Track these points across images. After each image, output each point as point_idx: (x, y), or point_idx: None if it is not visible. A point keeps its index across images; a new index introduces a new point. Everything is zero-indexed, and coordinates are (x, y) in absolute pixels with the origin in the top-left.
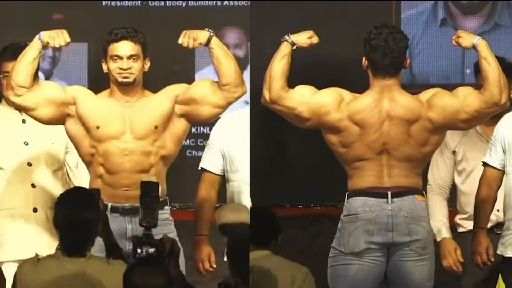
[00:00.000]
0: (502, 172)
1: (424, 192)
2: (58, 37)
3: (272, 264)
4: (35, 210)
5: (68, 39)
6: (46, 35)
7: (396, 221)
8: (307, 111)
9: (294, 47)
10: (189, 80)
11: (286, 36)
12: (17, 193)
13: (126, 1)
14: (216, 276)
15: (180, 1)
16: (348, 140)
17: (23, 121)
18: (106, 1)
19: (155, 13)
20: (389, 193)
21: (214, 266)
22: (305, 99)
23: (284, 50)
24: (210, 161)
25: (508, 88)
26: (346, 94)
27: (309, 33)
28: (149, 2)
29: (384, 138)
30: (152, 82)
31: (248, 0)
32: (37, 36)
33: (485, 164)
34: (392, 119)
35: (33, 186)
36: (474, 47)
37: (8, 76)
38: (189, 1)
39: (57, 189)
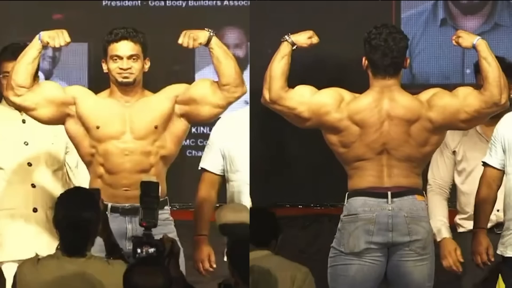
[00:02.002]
0: (502, 172)
1: (424, 192)
2: (58, 37)
3: (272, 264)
4: (35, 210)
5: (68, 39)
6: (46, 35)
7: (396, 221)
8: (307, 111)
9: (294, 47)
10: (189, 80)
11: (286, 36)
12: (17, 193)
13: (126, 1)
14: (216, 276)
15: (180, 1)
16: (348, 140)
17: (23, 121)
18: (106, 1)
19: (155, 13)
20: (389, 193)
21: (214, 266)
22: (305, 99)
23: (284, 50)
24: (210, 161)
25: (508, 88)
26: (346, 94)
27: (309, 33)
28: (149, 2)
29: (384, 138)
30: (152, 82)
31: (248, 0)
32: (37, 36)
33: (485, 164)
34: (392, 119)
35: (33, 186)
36: (474, 47)
37: (8, 76)
38: (189, 1)
39: (57, 189)
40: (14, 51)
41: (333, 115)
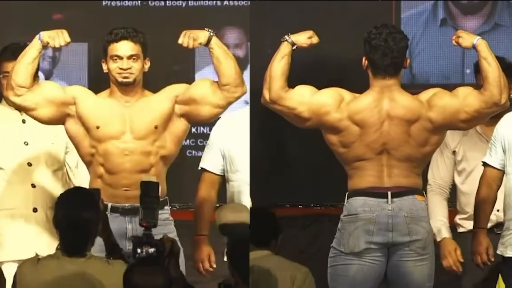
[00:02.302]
0: (502, 172)
1: (424, 192)
2: (58, 37)
3: (272, 264)
4: (35, 210)
5: (68, 39)
6: (46, 35)
7: (396, 221)
8: (307, 111)
9: (294, 47)
10: (189, 80)
11: (286, 36)
12: (17, 193)
13: (126, 1)
14: (216, 276)
15: (180, 1)
16: (348, 140)
17: (23, 121)
18: (106, 1)
19: (155, 13)
20: (389, 193)
21: (214, 266)
22: (305, 99)
23: (284, 50)
24: (210, 161)
25: (508, 88)
26: (346, 94)
27: (309, 33)
28: (149, 2)
29: (384, 138)
30: (152, 82)
31: (248, 0)
32: (37, 36)
33: (485, 164)
34: (392, 119)
35: (33, 186)
36: (474, 47)
37: (8, 76)
38: (189, 1)
39: (57, 189)
40: (14, 51)
41: (333, 115)
